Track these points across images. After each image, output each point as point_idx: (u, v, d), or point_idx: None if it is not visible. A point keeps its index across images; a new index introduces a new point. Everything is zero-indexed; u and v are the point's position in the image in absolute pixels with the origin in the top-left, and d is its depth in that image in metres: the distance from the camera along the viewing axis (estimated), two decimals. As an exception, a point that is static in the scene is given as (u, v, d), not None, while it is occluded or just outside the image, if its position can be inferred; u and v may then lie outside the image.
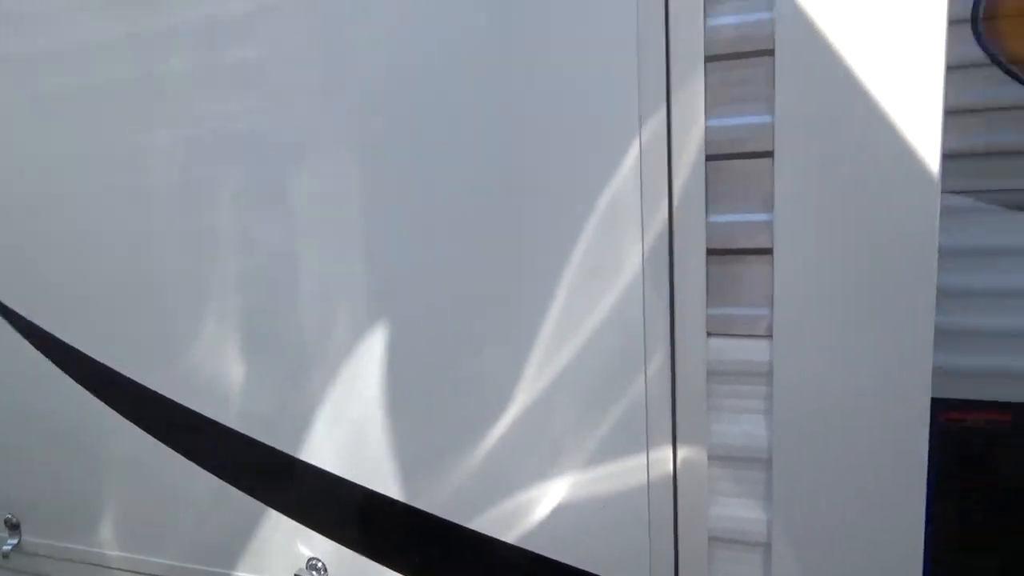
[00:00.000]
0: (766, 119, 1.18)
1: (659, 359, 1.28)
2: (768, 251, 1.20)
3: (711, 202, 1.23)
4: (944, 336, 2.23)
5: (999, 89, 2.09)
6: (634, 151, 1.24)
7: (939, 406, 2.30)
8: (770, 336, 1.22)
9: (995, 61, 2.08)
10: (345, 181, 1.42)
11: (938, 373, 2.29)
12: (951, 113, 2.21)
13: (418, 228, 1.39)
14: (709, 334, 1.26)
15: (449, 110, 1.34)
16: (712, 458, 1.29)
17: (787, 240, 1.18)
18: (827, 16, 1.11)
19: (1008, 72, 2.09)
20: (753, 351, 1.24)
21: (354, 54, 1.39)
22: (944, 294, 2.21)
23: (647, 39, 1.22)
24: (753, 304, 1.22)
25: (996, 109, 2.11)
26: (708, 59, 1.20)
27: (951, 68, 2.18)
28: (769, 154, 1.18)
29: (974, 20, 2.07)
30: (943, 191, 2.23)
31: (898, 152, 1.11)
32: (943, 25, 1.08)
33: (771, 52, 1.15)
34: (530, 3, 1.26)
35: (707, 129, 1.21)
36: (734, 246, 1.22)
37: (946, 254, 2.27)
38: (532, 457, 1.38)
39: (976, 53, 2.10)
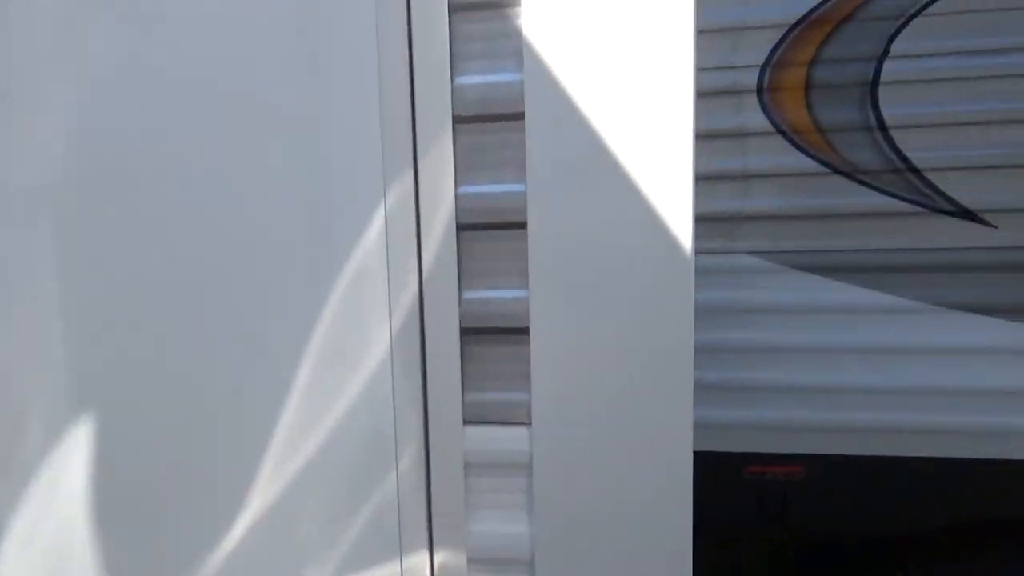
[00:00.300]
0: (519, 187, 1.07)
1: (412, 452, 1.12)
2: (525, 330, 1.08)
3: (464, 277, 1.09)
4: (743, 391, 2.24)
5: (784, 156, 2.14)
6: (379, 220, 1.09)
7: (741, 460, 2.30)
8: (529, 423, 1.09)
9: (779, 130, 2.13)
10: (38, 256, 1.17)
11: (739, 427, 2.29)
12: (745, 178, 2.26)
13: (128, 305, 1.16)
14: (466, 422, 1.12)
15: (174, 172, 1.14)
16: (472, 561, 1.13)
17: (543, 317, 1.06)
18: (576, 80, 1.02)
19: (790, 141, 2.14)
20: (512, 440, 1.10)
21: (66, 103, 1.17)
22: (739, 351, 2.22)
23: (391, 98, 1.07)
24: (511, 388, 1.09)
25: (782, 175, 2.16)
26: (457, 121, 1.08)
27: (744, 135, 2.22)
28: (523, 225, 1.06)
29: (759, 91, 2.11)
30: (737, 252, 2.26)
31: (650, 220, 1.02)
32: (691, 93, 1.02)
33: (521, 115, 1.05)
34: (265, 57, 1.10)
35: (458, 197, 1.08)
36: (490, 325, 1.09)
37: (741, 312, 2.29)
38: (273, 568, 1.17)
39: (765, 122, 2.14)
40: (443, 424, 1.09)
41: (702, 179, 2.15)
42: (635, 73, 1.00)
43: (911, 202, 2.04)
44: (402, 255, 1.07)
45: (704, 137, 2.12)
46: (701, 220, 2.17)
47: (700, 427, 2.23)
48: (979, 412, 2.06)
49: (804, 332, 2.12)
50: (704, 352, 2.20)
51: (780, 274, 2.12)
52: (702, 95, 2.12)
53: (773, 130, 2.08)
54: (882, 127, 2.03)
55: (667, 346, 1.04)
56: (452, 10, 1.02)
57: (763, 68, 2.06)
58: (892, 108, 2.01)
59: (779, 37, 2.05)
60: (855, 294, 2.08)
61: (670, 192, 1.01)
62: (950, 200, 2.02)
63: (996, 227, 2.00)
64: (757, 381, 2.18)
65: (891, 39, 2.00)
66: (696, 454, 2.23)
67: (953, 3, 1.95)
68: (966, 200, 2.00)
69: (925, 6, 1.98)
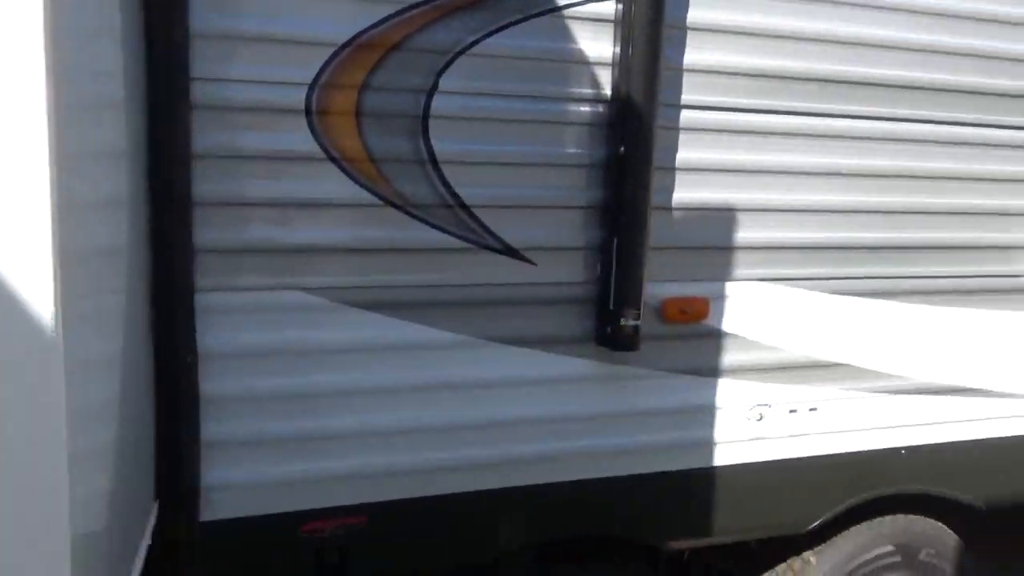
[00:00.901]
0: None
1: None
2: None
3: None
4: (297, 442, 1.95)
5: (336, 185, 1.90)
6: None
7: (295, 519, 2.01)
8: None
9: (330, 156, 1.89)
10: None
11: (290, 483, 1.99)
12: (294, 206, 1.95)
13: None
14: None
15: None
16: None
17: None
18: None
19: (342, 169, 1.91)
20: None
21: None
22: (292, 398, 1.92)
23: None
24: None
25: (333, 205, 1.92)
26: None
27: (292, 159, 1.92)
28: None
29: (308, 112, 1.84)
30: (290, 288, 1.95)
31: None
32: (43, 94, 0.67)
33: None
34: None
35: None
36: None
37: (291, 354, 1.97)
38: None
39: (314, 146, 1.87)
40: None
41: (246, 206, 1.81)
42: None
43: (461, 238, 1.94)
44: None
45: (244, 158, 1.79)
46: (246, 253, 1.82)
47: (250, 489, 1.88)
48: (532, 440, 2.05)
49: (357, 373, 1.90)
50: (253, 402, 1.85)
51: (333, 312, 1.88)
52: (245, 110, 1.78)
53: (324, 156, 1.83)
54: (433, 161, 1.91)
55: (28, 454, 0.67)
56: None
57: (311, 87, 1.80)
58: (442, 143, 1.90)
59: (328, 56, 1.80)
60: (408, 331, 1.92)
61: (13, 226, 0.65)
62: (496, 237, 1.97)
63: (536, 264, 2.00)
64: (313, 430, 1.90)
65: (440, 74, 1.88)
66: (243, 520, 1.87)
67: (498, 47, 1.90)
68: (510, 238, 1.97)
69: (471, 45, 1.89)
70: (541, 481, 2.09)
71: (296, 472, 1.88)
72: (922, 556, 2.43)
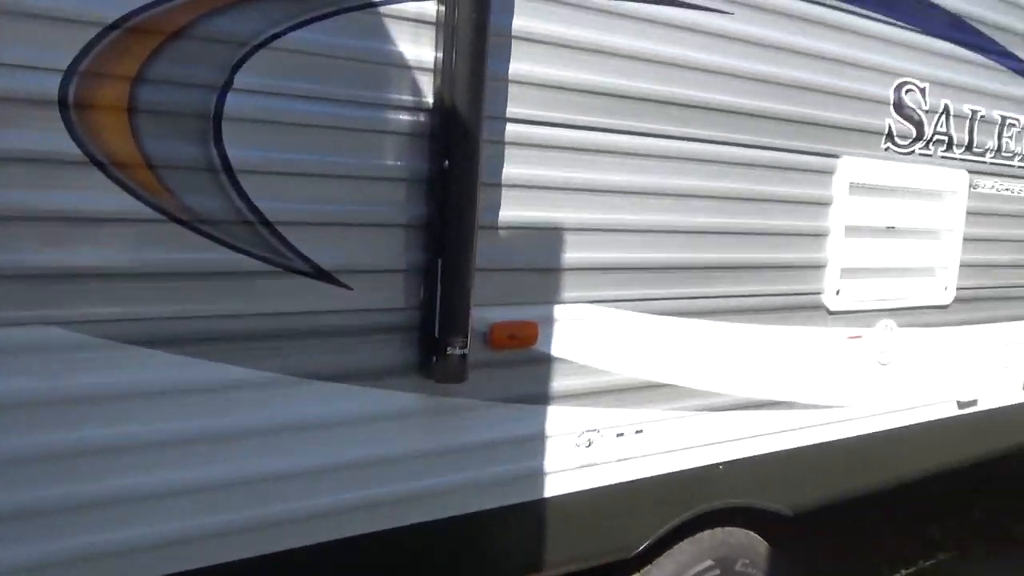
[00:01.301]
0: None
1: None
2: None
3: None
4: (66, 513, 1.60)
5: (102, 196, 1.60)
6: None
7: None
8: None
9: (94, 160, 1.58)
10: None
11: (50, 565, 1.63)
12: (49, 221, 1.61)
13: None
14: None
15: None
16: None
17: None
18: None
19: (111, 176, 1.60)
20: None
21: None
22: (49, 458, 1.58)
23: None
24: None
25: (99, 220, 1.61)
26: None
27: (44, 161, 1.57)
28: None
29: (63, 105, 1.53)
30: (38, 323, 1.58)
31: None
32: None
33: None
34: None
35: None
36: None
37: (54, 404, 1.64)
38: None
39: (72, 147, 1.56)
40: None
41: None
42: None
43: (262, 260, 1.71)
44: None
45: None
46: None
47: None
48: (349, 488, 1.84)
49: (137, 424, 1.60)
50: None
51: (105, 350, 1.57)
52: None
53: (86, 159, 1.52)
54: (228, 170, 1.66)
55: None
56: None
57: (68, 75, 1.49)
58: (239, 149, 1.66)
59: (90, 38, 1.51)
60: (200, 370, 1.65)
61: None
62: (304, 259, 1.76)
63: (351, 289, 1.82)
64: (83, 496, 1.57)
65: (235, 69, 1.65)
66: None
67: (305, 42, 1.70)
68: (320, 259, 1.77)
69: (272, 38, 1.68)
70: (360, 532, 1.90)
71: (58, 551, 1.55)
72: (738, 567, 2.55)
